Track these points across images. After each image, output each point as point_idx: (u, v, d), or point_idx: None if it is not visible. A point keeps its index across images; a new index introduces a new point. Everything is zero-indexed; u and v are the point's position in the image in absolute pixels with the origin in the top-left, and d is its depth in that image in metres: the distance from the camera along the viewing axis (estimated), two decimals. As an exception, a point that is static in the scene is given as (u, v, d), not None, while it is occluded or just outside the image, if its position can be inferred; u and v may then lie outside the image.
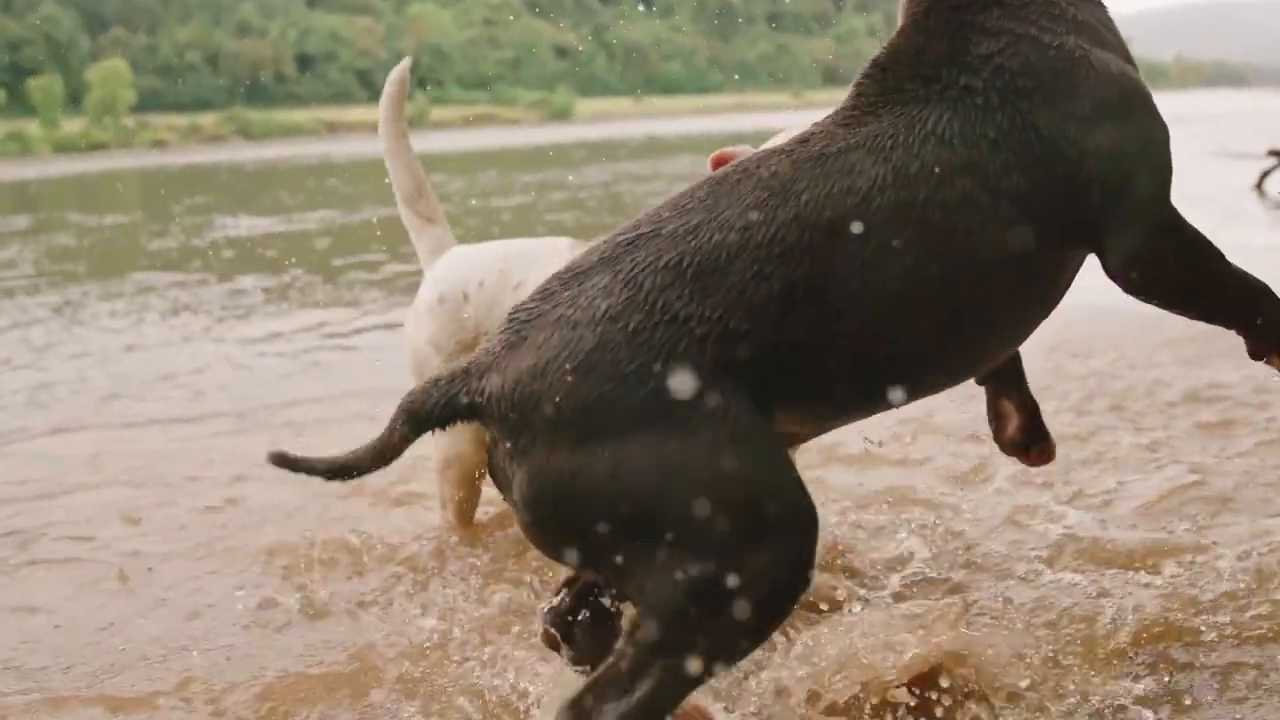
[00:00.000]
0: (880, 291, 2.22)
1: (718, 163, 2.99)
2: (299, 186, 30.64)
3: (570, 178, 25.60)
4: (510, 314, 2.31)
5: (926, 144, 2.27)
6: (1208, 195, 15.12)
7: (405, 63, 4.23)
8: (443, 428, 2.28)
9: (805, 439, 2.60)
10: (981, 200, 2.25)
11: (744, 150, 2.98)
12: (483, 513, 4.28)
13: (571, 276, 2.30)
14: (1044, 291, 2.40)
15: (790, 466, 2.23)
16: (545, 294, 2.28)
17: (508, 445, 2.21)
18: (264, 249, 15.83)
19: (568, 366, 2.15)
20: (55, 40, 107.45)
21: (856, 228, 2.22)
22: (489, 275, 3.80)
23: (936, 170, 2.25)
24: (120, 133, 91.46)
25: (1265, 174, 15.01)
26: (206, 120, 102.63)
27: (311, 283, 12.15)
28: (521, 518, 2.24)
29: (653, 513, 2.11)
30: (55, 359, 8.41)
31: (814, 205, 2.24)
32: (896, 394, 2.34)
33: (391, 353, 7.88)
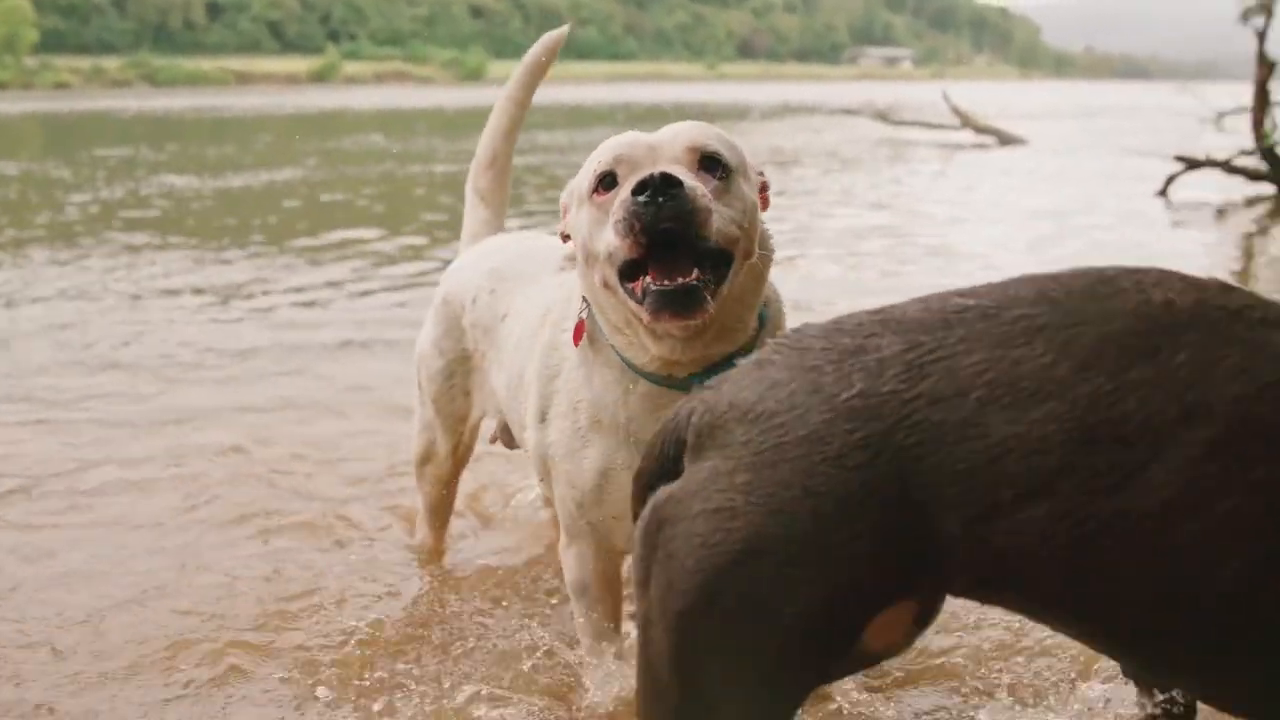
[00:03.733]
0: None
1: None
2: (217, 139, 30.16)
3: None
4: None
5: None
6: (1116, 197, 15.60)
7: (563, 30, 3.84)
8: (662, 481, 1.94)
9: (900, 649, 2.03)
10: None
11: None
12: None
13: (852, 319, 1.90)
14: None
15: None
16: (799, 330, 1.93)
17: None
18: (195, 205, 15.70)
19: (748, 404, 1.82)
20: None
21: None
22: (482, 294, 3.34)
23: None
24: (20, 73, 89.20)
25: (1171, 179, 15.41)
26: (111, 64, 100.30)
27: (244, 247, 12.10)
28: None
29: (694, 630, 1.83)
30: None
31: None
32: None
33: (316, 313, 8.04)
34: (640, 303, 2.44)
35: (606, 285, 2.54)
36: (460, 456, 3.73)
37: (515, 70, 3.79)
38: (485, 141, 3.79)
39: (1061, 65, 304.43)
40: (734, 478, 1.77)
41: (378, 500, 4.60)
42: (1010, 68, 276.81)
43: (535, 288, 3.09)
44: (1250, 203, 15.12)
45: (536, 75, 3.78)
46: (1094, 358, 1.66)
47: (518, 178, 17.74)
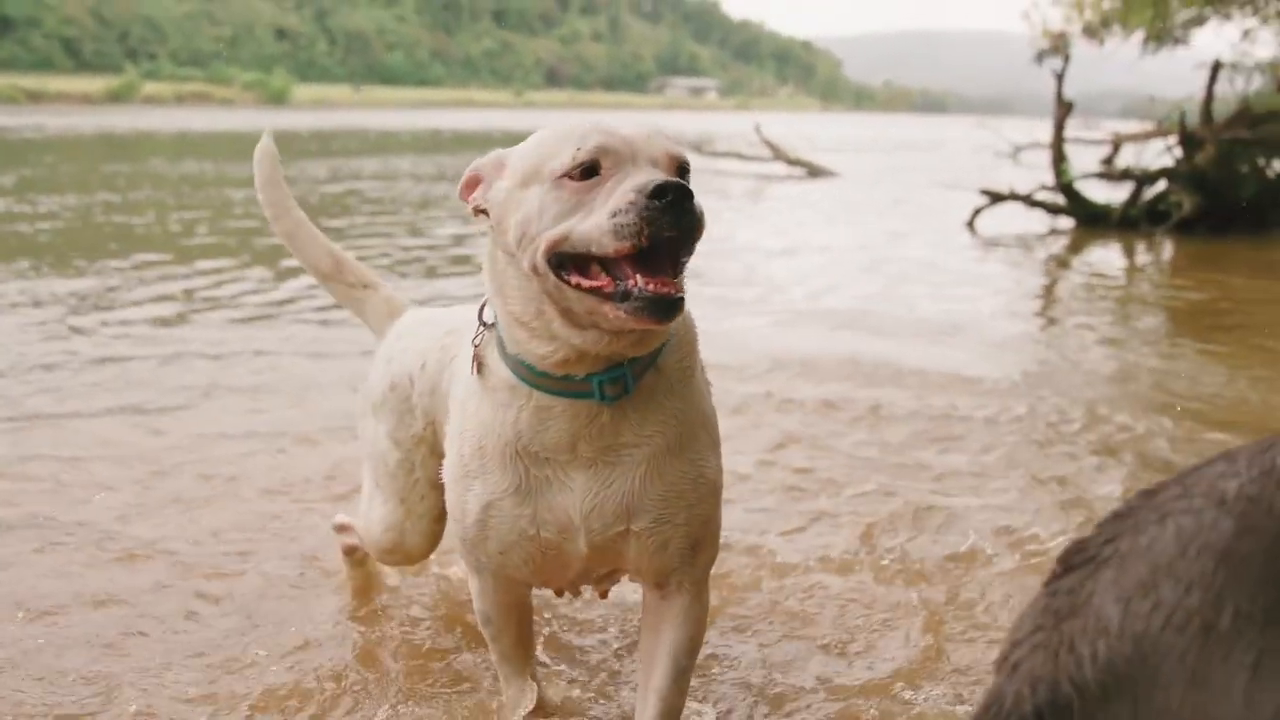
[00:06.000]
0: None
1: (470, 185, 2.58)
2: (12, 160, 28.95)
3: (305, 171, 24.96)
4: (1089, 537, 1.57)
5: None
6: (926, 228, 16.06)
7: (266, 138, 3.60)
8: None
9: None
10: None
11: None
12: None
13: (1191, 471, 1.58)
14: None
15: None
16: (1143, 494, 1.57)
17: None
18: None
19: (1197, 568, 1.40)
20: None
21: None
22: (432, 353, 3.20)
23: None
24: None
25: (977, 211, 15.89)
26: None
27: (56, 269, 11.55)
28: None
29: None
30: None
31: None
32: None
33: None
34: (617, 300, 2.33)
35: (537, 271, 2.42)
36: (434, 542, 3.46)
37: (261, 198, 3.59)
38: (317, 254, 3.62)
39: (861, 98, 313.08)
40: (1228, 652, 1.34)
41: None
42: (813, 99, 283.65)
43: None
44: (1051, 234, 15.76)
45: (281, 191, 3.60)
46: None
47: (341, 204, 17.44)
